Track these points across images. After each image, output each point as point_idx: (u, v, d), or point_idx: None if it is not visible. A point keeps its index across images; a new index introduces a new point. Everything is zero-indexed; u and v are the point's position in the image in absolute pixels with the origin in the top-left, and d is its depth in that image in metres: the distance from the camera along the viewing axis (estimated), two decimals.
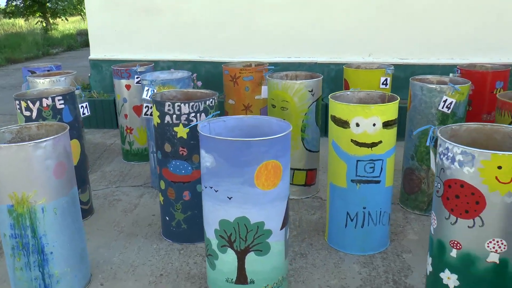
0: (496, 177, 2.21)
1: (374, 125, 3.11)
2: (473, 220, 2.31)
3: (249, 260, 2.66)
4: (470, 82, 3.77)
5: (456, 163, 2.31)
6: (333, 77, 5.99)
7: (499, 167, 2.20)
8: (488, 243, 2.30)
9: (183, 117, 3.30)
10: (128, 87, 5.07)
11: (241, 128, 2.82)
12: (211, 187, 2.58)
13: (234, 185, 2.50)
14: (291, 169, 4.18)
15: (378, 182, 3.24)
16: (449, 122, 3.66)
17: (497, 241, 2.29)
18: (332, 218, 3.46)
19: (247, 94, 4.58)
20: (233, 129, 2.81)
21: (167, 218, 3.62)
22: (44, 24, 23.47)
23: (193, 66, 6.35)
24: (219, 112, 3.20)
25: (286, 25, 6.08)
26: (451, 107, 3.60)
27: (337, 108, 3.21)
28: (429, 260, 2.62)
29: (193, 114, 3.31)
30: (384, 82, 4.35)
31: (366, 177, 3.21)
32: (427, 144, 2.63)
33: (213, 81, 6.03)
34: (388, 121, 3.13)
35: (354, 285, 3.06)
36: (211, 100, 3.37)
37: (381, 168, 3.22)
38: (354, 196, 3.29)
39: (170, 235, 3.65)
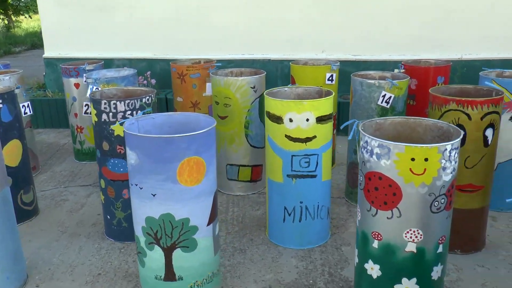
0: (410, 169, 2.26)
1: (307, 120, 3.13)
2: (391, 211, 2.35)
3: (176, 256, 2.66)
4: (409, 77, 3.84)
5: (374, 156, 2.35)
6: (287, 74, 6.01)
7: (412, 159, 2.24)
8: (405, 233, 2.35)
9: (119, 115, 3.28)
10: (77, 85, 5.00)
11: (170, 125, 2.81)
12: (136, 185, 2.57)
13: (157, 182, 2.49)
14: (236, 165, 4.18)
15: (314, 176, 3.27)
16: (389, 115, 3.72)
17: (414, 231, 2.34)
18: (271, 213, 3.48)
19: (194, 92, 4.57)
20: (161, 126, 2.80)
21: (108, 217, 3.59)
22: (6, 22, 22.82)
23: (148, 64, 6.29)
24: (151, 109, 3.19)
25: (239, 22, 6.08)
26: (390, 101, 3.66)
27: (271, 104, 3.23)
28: (356, 251, 2.67)
29: (129, 112, 3.29)
30: (330, 78, 4.39)
31: (301, 172, 3.24)
32: (349, 138, 2.66)
33: (168, 79, 5.98)
34: (321, 116, 3.16)
35: (289, 279, 3.08)
36: (148, 97, 3.35)
37: (317, 163, 3.24)
38: (290, 191, 3.31)
39: (111, 234, 3.62)
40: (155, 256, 2.66)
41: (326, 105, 3.18)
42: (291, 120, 3.14)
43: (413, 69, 4.33)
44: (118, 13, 6.25)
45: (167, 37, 6.20)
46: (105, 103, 3.27)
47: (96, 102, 3.31)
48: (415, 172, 2.26)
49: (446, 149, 2.25)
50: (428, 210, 2.30)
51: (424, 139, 2.62)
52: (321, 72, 4.40)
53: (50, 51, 6.71)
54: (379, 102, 3.67)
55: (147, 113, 2.97)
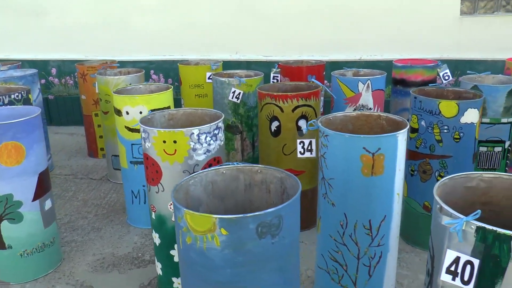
0: (164, 150, 2.67)
1: (140, 112, 3.56)
2: (157, 186, 2.76)
3: (4, 227, 3.11)
4: (262, 75, 4.24)
5: (143, 140, 2.76)
6: None
7: (164, 142, 2.66)
8: (169, 205, 2.76)
9: None
10: None
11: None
12: None
13: None
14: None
15: None
16: (241, 110, 4.12)
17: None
18: (126, 196, 3.92)
19: (95, 90, 5.03)
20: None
21: None
22: None
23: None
24: None
25: (160, 26, 6.54)
26: (240, 97, 4.05)
27: (113, 98, 3.67)
28: None
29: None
30: (210, 77, 4.78)
31: (141, 159, 3.67)
32: None
33: None
34: (155, 109, 3.58)
35: (122, 252, 3.51)
36: (17, 94, 3.84)
37: None
38: (134, 176, 3.74)
39: None
40: None
41: (159, 99, 3.60)
42: (127, 113, 3.58)
43: (287, 68, 4.70)
44: (50, 17, 6.74)
45: (96, 39, 6.69)
46: None
47: None
48: (168, 152, 2.67)
49: (193, 133, 2.65)
50: None
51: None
52: (203, 71, 4.81)
53: None
54: (230, 98, 4.07)
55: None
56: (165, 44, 6.55)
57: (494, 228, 1.43)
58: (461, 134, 3.11)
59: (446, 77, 4.52)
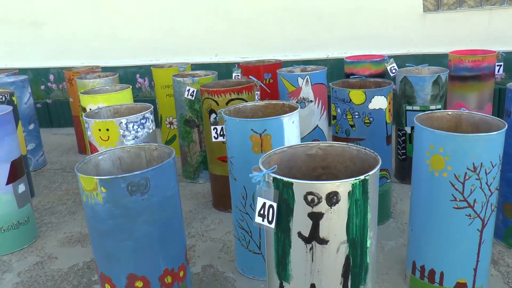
0: (100, 137, 3.19)
1: None
2: None
3: None
4: (216, 74, 4.72)
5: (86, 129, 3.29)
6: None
7: (99, 130, 3.17)
8: None
9: None
10: None
11: None
12: None
13: None
14: None
15: None
16: (196, 106, 4.60)
17: None
18: None
19: None
20: None
21: None
22: None
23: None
24: None
25: (145, 33, 7.10)
26: (194, 94, 4.54)
27: (80, 98, 4.22)
28: None
29: None
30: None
31: None
32: None
33: None
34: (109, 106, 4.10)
35: (87, 231, 4.04)
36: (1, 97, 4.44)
37: None
38: None
39: None
40: None
41: (118, 98, 4.12)
42: (90, 109, 4.11)
43: (246, 68, 5.16)
44: (48, 28, 7.40)
45: (89, 47, 7.31)
46: None
47: None
48: (103, 139, 3.19)
49: (121, 122, 3.16)
50: None
51: None
52: (172, 73, 5.31)
53: None
54: (185, 95, 4.56)
55: None
56: (151, 50, 7.11)
57: (282, 177, 1.87)
58: (371, 119, 3.50)
59: (394, 71, 4.87)
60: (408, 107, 4.30)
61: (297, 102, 4.37)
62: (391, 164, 3.75)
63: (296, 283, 1.98)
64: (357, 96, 3.46)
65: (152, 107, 3.41)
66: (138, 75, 6.97)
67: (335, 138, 3.71)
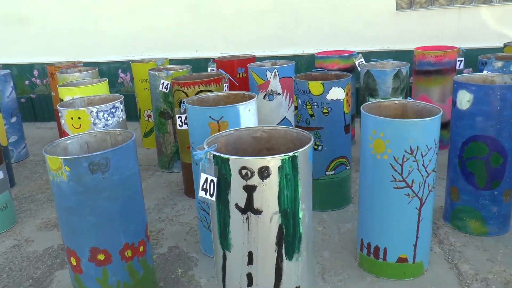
0: (72, 125, 3.39)
1: None
2: None
3: None
4: (190, 68, 4.93)
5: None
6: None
7: (72, 118, 3.38)
8: None
9: None
10: None
11: None
12: None
13: None
14: None
15: None
16: (170, 98, 4.81)
17: None
18: None
19: None
20: None
21: None
22: None
23: None
24: None
25: (128, 29, 7.30)
26: (168, 87, 4.75)
27: (58, 90, 4.41)
28: None
29: None
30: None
31: None
32: None
33: None
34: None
35: None
36: None
37: None
38: None
39: None
40: None
41: (93, 90, 4.32)
42: None
43: (220, 62, 5.37)
44: (33, 25, 7.58)
45: (74, 43, 7.50)
46: None
47: None
48: (75, 126, 3.39)
49: (92, 111, 3.36)
50: None
51: None
52: (149, 68, 5.51)
53: None
54: (160, 88, 4.76)
55: None
56: (134, 46, 7.31)
57: (220, 154, 2.08)
58: (329, 109, 3.72)
59: (362, 65, 5.10)
60: (371, 99, 4.53)
61: (265, 94, 4.59)
62: (350, 152, 3.97)
63: (236, 251, 2.20)
64: (315, 87, 3.68)
65: (122, 97, 3.62)
66: (120, 70, 7.17)
67: (297, 127, 3.92)
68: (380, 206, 2.92)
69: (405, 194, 2.83)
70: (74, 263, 2.69)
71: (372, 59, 4.97)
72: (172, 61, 7.01)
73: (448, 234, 3.56)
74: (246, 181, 2.05)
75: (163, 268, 3.33)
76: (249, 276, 2.21)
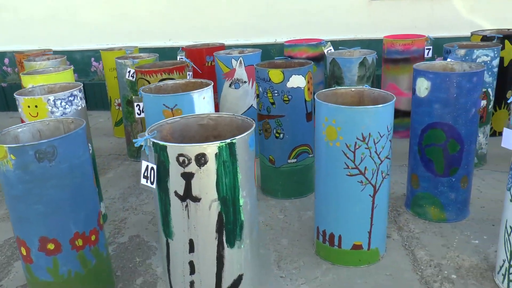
0: (30, 113, 3.34)
1: None
2: None
3: None
4: (157, 56, 4.88)
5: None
6: None
7: (28, 106, 3.33)
8: None
9: None
10: None
11: None
12: None
13: None
14: None
15: None
16: (137, 86, 4.76)
17: None
18: None
19: None
20: None
21: None
22: None
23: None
24: None
25: (101, 17, 7.21)
26: (134, 76, 4.70)
27: (22, 79, 4.35)
28: None
29: None
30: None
31: None
32: None
33: None
34: None
35: None
36: None
37: None
38: None
39: None
40: None
41: (57, 78, 4.26)
42: None
43: (189, 51, 5.34)
44: (5, 12, 7.47)
45: (47, 31, 7.39)
46: None
47: None
48: (32, 115, 3.35)
49: (49, 99, 3.32)
50: None
51: None
52: (115, 56, 5.45)
53: None
54: (126, 77, 4.72)
55: None
56: (108, 34, 7.23)
57: (158, 141, 2.07)
58: (290, 97, 3.71)
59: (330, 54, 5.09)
60: (337, 87, 4.52)
61: (231, 83, 4.57)
62: (313, 140, 3.97)
63: (177, 239, 2.20)
64: (275, 75, 3.67)
65: (82, 85, 3.57)
66: (93, 59, 7.10)
67: (259, 115, 3.92)
68: (334, 193, 2.93)
69: (358, 181, 2.84)
70: (25, 253, 2.66)
71: (339, 47, 4.96)
72: (146, 50, 6.96)
73: (408, 221, 3.59)
74: (184, 168, 2.04)
75: (122, 257, 3.32)
76: (191, 264, 2.22)
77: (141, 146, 2.13)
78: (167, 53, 6.21)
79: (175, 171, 2.06)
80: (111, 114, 5.80)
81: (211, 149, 2.02)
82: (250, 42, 6.73)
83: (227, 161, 2.06)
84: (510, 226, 2.65)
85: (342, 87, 3.22)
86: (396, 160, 4.22)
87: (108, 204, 4.13)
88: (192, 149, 2.01)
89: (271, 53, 6.61)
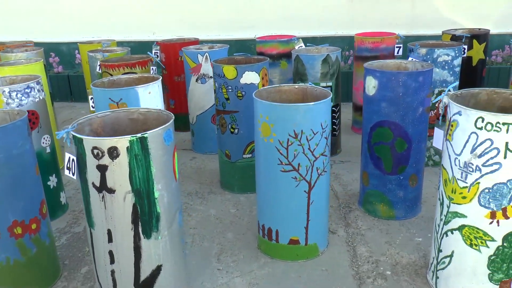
0: None
1: None
2: None
3: None
4: (128, 50, 4.96)
5: None
6: None
7: None
8: None
9: None
10: None
11: None
12: None
13: None
14: None
15: None
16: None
17: None
18: None
19: None
20: None
21: None
22: None
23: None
24: None
25: (88, 10, 7.31)
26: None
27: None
28: None
29: None
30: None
31: None
32: None
33: None
34: None
35: None
36: None
37: None
38: None
39: None
40: None
41: (26, 70, 4.35)
42: None
43: (164, 45, 5.42)
44: None
45: (32, 22, 7.48)
46: None
47: None
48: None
49: (4, 91, 3.41)
50: None
51: None
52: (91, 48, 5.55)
53: None
54: (97, 70, 4.81)
55: None
56: (92, 27, 7.33)
57: (76, 134, 2.15)
58: (243, 93, 3.77)
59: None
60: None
61: (198, 78, 4.64)
62: None
63: (98, 229, 2.28)
64: (229, 71, 3.73)
65: (40, 77, 3.67)
66: (77, 51, 7.20)
67: (216, 111, 3.99)
68: (271, 189, 2.99)
69: (292, 177, 2.90)
70: None
71: (307, 44, 5.00)
72: (130, 43, 7.05)
73: (357, 217, 3.64)
74: (98, 160, 2.12)
75: (73, 247, 3.42)
76: (111, 253, 2.30)
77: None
78: (150, 46, 6.27)
79: (91, 163, 2.14)
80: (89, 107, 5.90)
81: (122, 143, 2.09)
82: (232, 38, 6.79)
83: (139, 155, 2.13)
84: (438, 225, 2.70)
85: (286, 85, 3.27)
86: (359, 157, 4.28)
87: (72, 195, 4.23)
88: (104, 142, 2.09)
89: (251, 49, 6.66)
